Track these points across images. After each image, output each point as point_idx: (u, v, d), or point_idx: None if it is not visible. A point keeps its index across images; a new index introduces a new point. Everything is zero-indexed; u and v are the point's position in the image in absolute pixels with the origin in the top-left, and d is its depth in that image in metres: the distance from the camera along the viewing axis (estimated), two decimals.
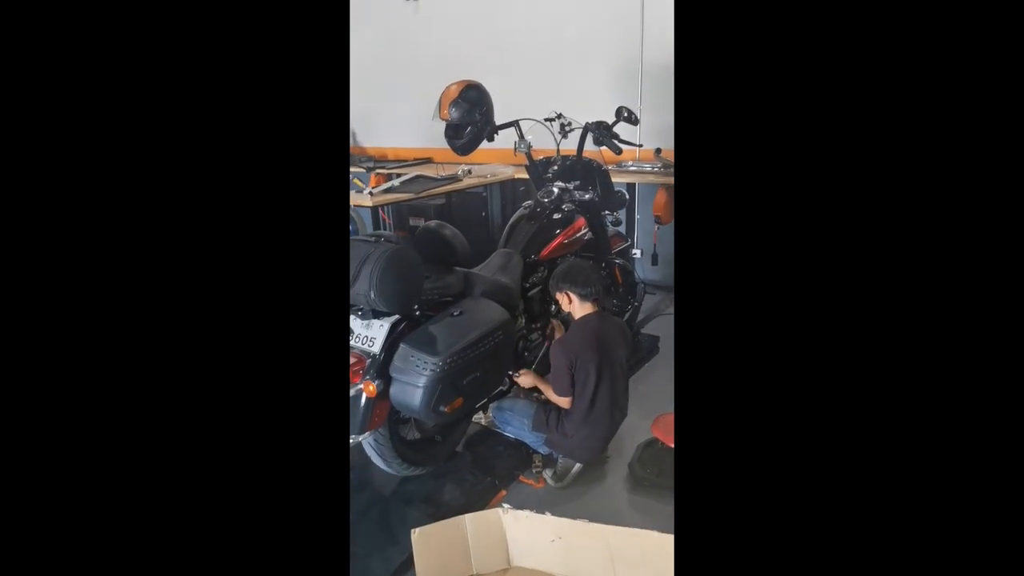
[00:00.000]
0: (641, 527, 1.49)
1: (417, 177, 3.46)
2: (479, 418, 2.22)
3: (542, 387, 2.00)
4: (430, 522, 1.72)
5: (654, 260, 3.41)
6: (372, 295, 1.51)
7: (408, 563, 1.56)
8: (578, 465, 1.96)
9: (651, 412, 2.09)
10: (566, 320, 2.23)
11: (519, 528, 1.60)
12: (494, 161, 3.74)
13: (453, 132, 2.29)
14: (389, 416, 1.73)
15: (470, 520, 1.60)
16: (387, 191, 3.21)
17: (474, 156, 2.76)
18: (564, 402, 1.92)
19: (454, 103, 2.23)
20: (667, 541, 1.44)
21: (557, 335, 2.14)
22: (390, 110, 4.48)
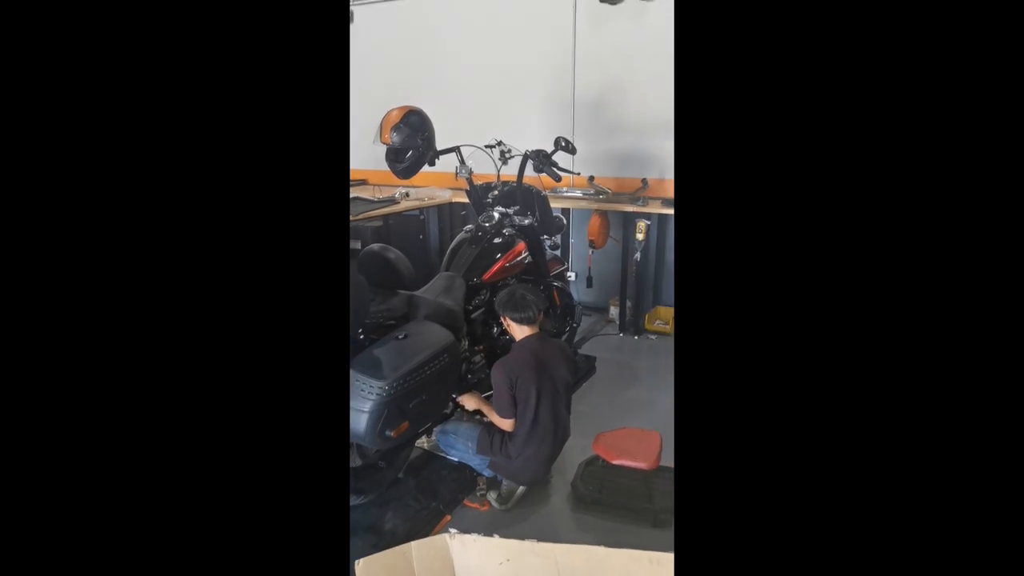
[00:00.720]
0: (586, 544, 1.52)
1: (354, 199, 3.42)
2: (422, 442, 2.19)
3: (485, 410, 2.01)
4: (374, 551, 1.67)
5: (589, 282, 3.53)
6: None
7: None
8: (522, 487, 1.97)
9: (591, 431, 2.14)
10: (506, 344, 2.26)
11: (467, 553, 1.59)
12: (432, 184, 3.76)
13: (394, 156, 2.29)
14: None
15: (416, 547, 1.57)
16: None
17: (412, 179, 2.77)
18: (507, 424, 1.94)
19: (395, 128, 2.24)
20: (612, 555, 1.48)
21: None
22: None
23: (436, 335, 1.80)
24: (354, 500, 1.84)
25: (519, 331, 2.00)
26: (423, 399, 1.69)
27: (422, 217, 3.86)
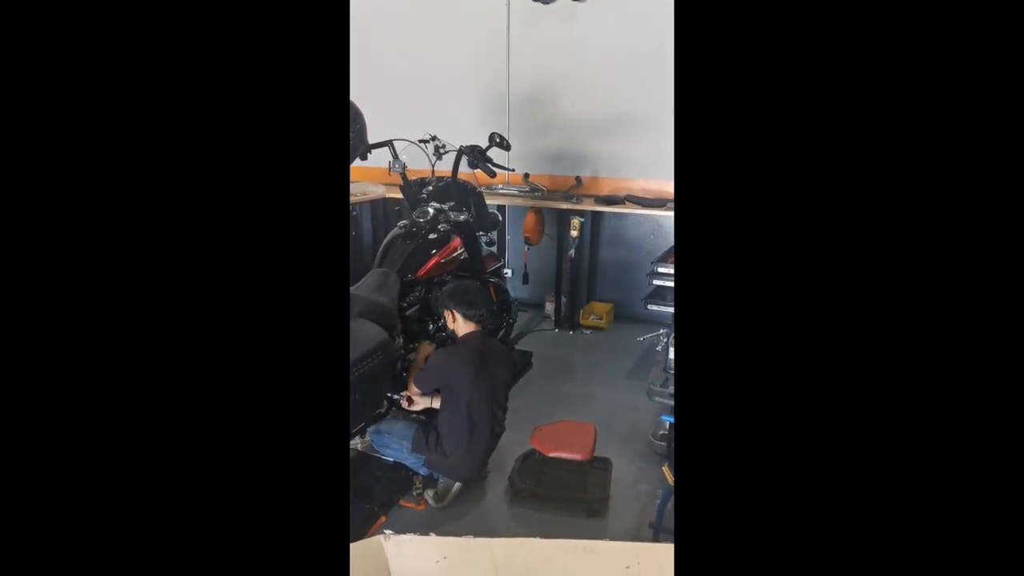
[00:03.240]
0: (522, 536, 1.53)
1: None
2: (355, 443, 2.14)
3: (410, 374, 2.04)
4: None
5: (525, 279, 3.56)
6: None
7: None
8: (459, 484, 1.96)
9: (528, 425, 2.16)
10: (443, 340, 2.25)
11: (402, 553, 1.56)
12: (365, 179, 3.67)
13: None
14: None
15: (351, 551, 1.53)
16: None
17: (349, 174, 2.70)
18: (414, 391, 2.02)
19: None
20: (548, 546, 1.50)
21: (422, 357, 2.16)
22: None
23: (369, 333, 1.76)
24: None
25: (464, 327, 1.99)
26: (356, 399, 1.65)
27: (354, 213, 3.76)
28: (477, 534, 1.60)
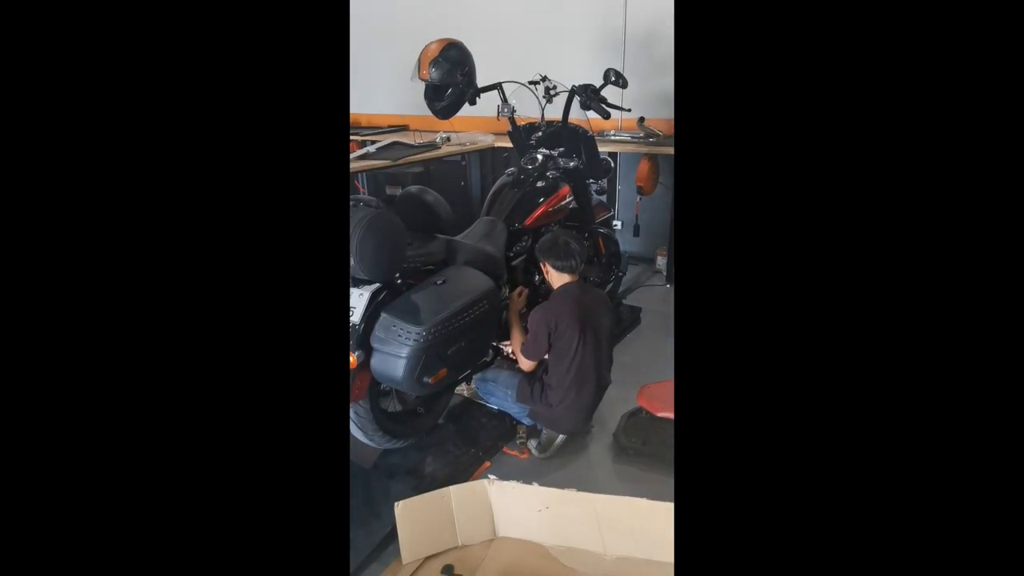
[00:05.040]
0: (626, 495, 1.48)
1: (394, 144, 3.34)
2: (461, 389, 2.18)
3: (513, 339, 1.99)
4: (413, 495, 1.69)
5: (636, 231, 3.39)
6: (352, 261, 1.44)
7: (391, 536, 1.53)
8: (562, 436, 1.94)
9: (634, 382, 2.08)
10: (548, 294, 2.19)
11: (505, 499, 1.58)
12: (474, 129, 3.64)
13: (433, 93, 2.19)
14: (370, 388, 1.68)
15: (455, 492, 1.57)
16: (362, 158, 3.10)
17: (453, 123, 2.66)
18: (526, 365, 1.93)
19: (434, 62, 2.13)
20: (655, 508, 1.44)
21: (516, 304, 2.10)
22: (364, 75, 4.31)
23: (476, 281, 1.75)
24: (393, 444, 1.85)
25: (558, 279, 1.92)
26: (462, 346, 1.65)
27: (463, 163, 3.76)
28: (579, 488, 1.58)
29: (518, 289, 2.13)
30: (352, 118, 4.48)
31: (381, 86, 4.18)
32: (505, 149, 3.45)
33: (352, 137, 3.69)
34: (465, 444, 1.95)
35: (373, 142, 3.34)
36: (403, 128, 4.09)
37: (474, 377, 2.05)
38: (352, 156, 3.11)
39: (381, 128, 4.11)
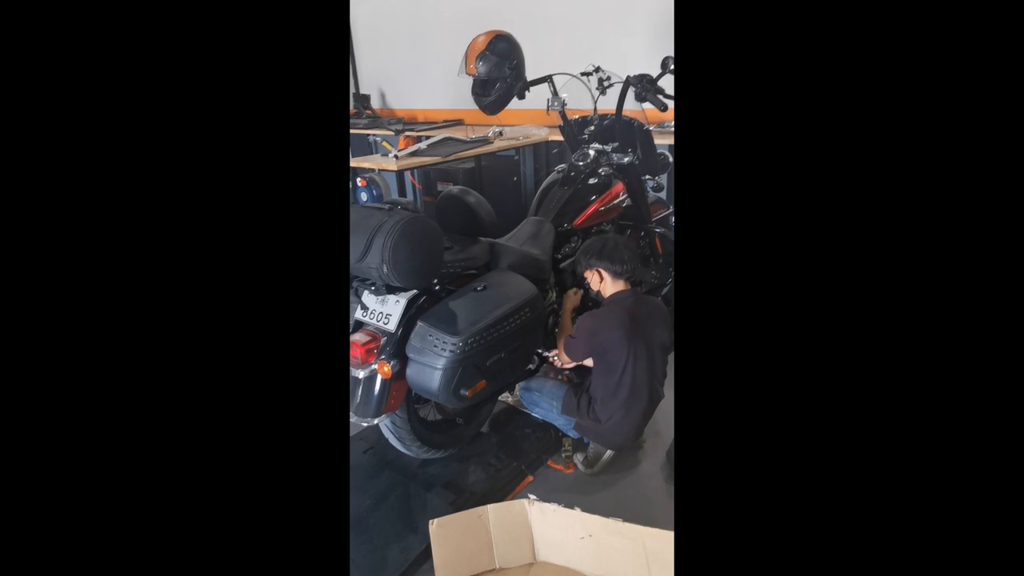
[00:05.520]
0: None
1: (445, 139, 3.29)
2: (505, 396, 2.09)
3: (562, 330, 1.92)
4: (451, 510, 1.62)
5: None
6: (385, 269, 1.37)
7: (427, 553, 1.47)
8: (610, 451, 1.82)
9: None
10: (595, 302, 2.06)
11: (546, 522, 1.49)
12: (527, 122, 3.53)
13: (481, 88, 2.09)
14: (407, 396, 1.62)
15: (493, 511, 1.49)
16: (413, 154, 3.06)
17: (506, 117, 2.56)
18: (564, 360, 1.88)
19: (481, 56, 2.03)
20: None
21: (570, 301, 2.01)
22: (419, 70, 4.29)
23: (518, 287, 1.65)
24: (431, 454, 1.79)
25: (611, 286, 1.79)
26: (502, 357, 1.56)
27: (516, 157, 3.66)
28: (628, 509, 1.46)
29: (573, 289, 2.04)
30: (408, 113, 4.48)
31: (437, 80, 4.14)
32: (557, 143, 3.32)
33: (407, 133, 3.67)
34: (508, 456, 1.86)
35: (426, 138, 3.30)
36: (458, 123, 4.04)
37: (518, 385, 1.96)
38: (403, 152, 3.08)
39: (436, 123, 4.07)
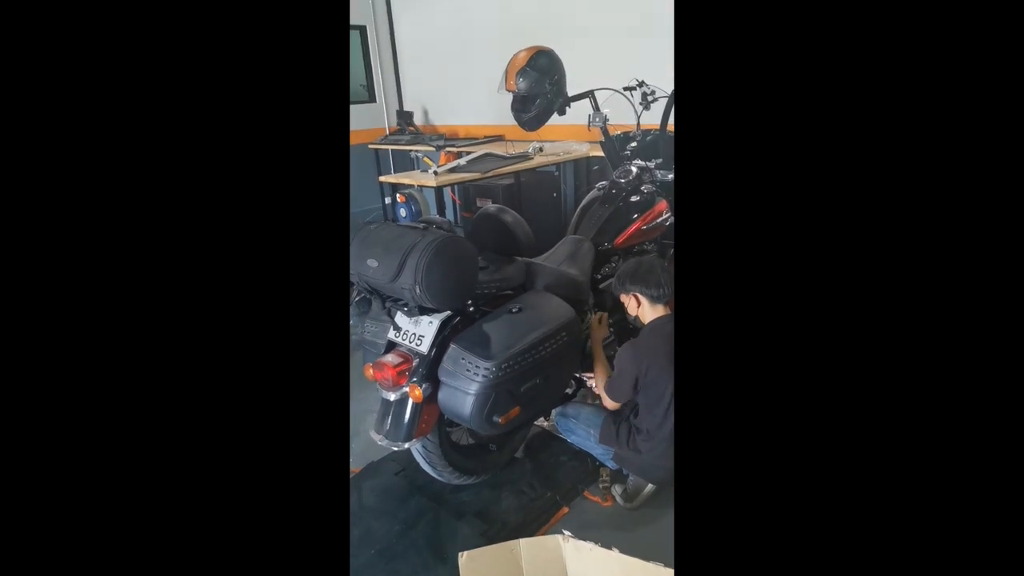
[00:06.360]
0: None
1: (485, 155, 3.28)
2: (541, 421, 2.02)
3: (597, 374, 1.80)
4: (482, 540, 1.55)
5: None
6: (417, 290, 1.33)
7: None
8: (651, 485, 1.71)
9: None
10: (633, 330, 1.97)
11: (581, 560, 1.40)
12: (568, 138, 3.48)
13: (521, 105, 2.06)
14: (439, 420, 1.57)
15: (525, 546, 1.42)
16: (452, 170, 3.05)
17: (547, 132, 2.52)
18: (610, 404, 1.75)
19: (521, 72, 2.00)
20: None
21: (597, 332, 1.89)
22: (462, 86, 4.31)
23: (555, 310, 1.58)
24: (463, 480, 1.72)
25: (651, 312, 1.69)
26: (537, 383, 1.49)
27: (557, 173, 3.61)
28: (670, 552, 1.36)
29: (597, 315, 1.92)
30: (450, 130, 4.50)
31: (479, 96, 4.14)
32: (598, 159, 3.25)
33: (448, 149, 3.67)
34: (542, 486, 1.79)
35: (467, 153, 3.29)
36: (499, 139, 4.03)
37: (554, 411, 1.88)
38: (443, 169, 3.07)
39: (477, 139, 4.07)
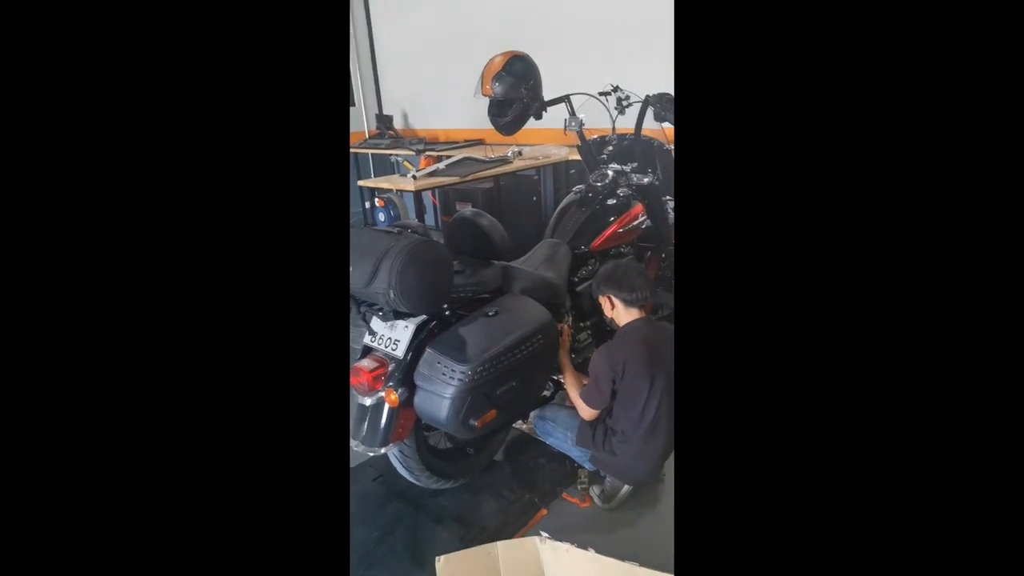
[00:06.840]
0: None
1: (464, 159, 3.28)
2: (519, 424, 2.02)
3: (570, 389, 1.76)
4: (461, 545, 1.55)
5: None
6: (391, 294, 1.33)
7: None
8: (628, 487, 1.73)
9: None
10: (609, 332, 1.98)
11: (558, 562, 1.41)
12: (547, 142, 3.50)
13: (497, 109, 2.07)
14: (416, 424, 1.57)
15: (503, 548, 1.42)
16: (431, 174, 3.05)
17: (526, 136, 2.53)
18: (587, 414, 1.71)
19: (497, 77, 2.01)
20: None
21: (565, 343, 1.84)
22: (441, 90, 4.31)
23: (531, 313, 1.59)
24: (441, 484, 1.72)
25: (625, 314, 1.71)
26: (513, 386, 1.50)
27: (536, 177, 3.62)
28: (646, 551, 1.38)
29: (562, 326, 1.89)
30: (430, 134, 4.49)
31: (459, 100, 4.15)
32: (575, 163, 3.27)
33: (428, 153, 3.67)
34: (521, 488, 1.79)
35: (447, 157, 3.29)
36: (478, 142, 4.03)
37: (532, 413, 1.89)
38: (422, 173, 3.07)
39: (457, 143, 4.07)
